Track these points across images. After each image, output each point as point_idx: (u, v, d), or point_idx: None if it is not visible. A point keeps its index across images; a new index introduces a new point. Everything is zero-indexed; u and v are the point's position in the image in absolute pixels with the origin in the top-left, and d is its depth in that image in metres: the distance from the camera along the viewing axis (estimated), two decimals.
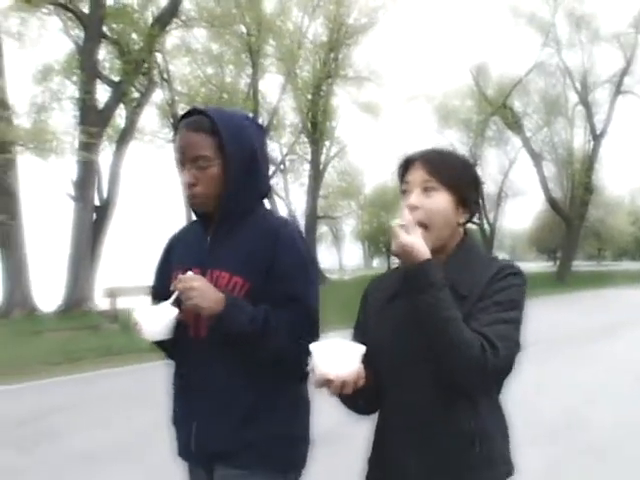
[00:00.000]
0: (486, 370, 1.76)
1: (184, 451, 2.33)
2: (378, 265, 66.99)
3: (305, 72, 34.39)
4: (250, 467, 2.19)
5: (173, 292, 2.13)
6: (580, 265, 50.40)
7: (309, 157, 38.21)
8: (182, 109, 25.94)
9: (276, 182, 37.98)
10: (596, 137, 37.99)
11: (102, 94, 21.71)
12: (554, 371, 9.84)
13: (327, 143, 40.02)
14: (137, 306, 2.16)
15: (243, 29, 26.26)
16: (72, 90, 23.44)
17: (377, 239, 59.13)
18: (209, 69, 29.37)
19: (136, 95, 23.20)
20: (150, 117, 28.67)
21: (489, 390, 1.94)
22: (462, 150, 38.08)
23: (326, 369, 1.74)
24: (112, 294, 16.30)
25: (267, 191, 2.37)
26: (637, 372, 9.63)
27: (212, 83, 28.83)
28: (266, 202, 2.41)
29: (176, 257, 2.37)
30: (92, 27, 20.22)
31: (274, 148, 37.61)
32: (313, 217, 38.24)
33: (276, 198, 37.67)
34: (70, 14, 21.43)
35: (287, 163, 39.00)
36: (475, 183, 2.03)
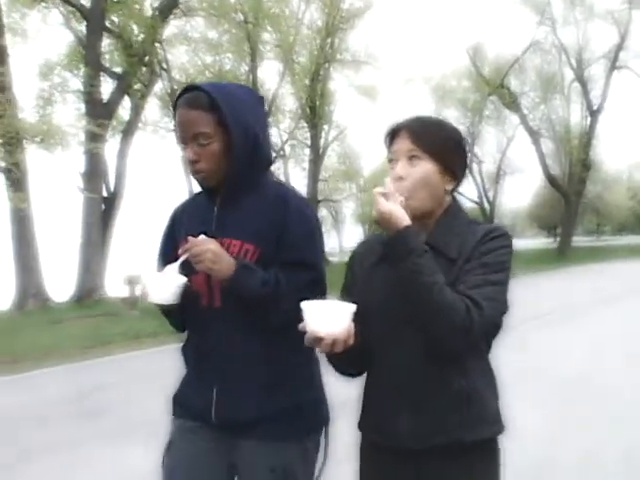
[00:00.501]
0: (472, 331, 1.78)
1: (197, 414, 2.30)
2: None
3: (302, 57, 34.53)
4: (281, 436, 2.20)
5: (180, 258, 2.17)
6: (580, 240, 50.87)
7: (309, 142, 38.53)
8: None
9: (277, 167, 38.24)
10: (593, 113, 38.36)
11: (105, 86, 22.02)
12: (566, 336, 10.54)
13: (326, 127, 40.24)
14: (145, 271, 2.20)
15: (241, 17, 26.41)
16: (75, 83, 23.76)
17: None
18: (207, 57, 29.55)
19: (138, 86, 23.43)
20: (151, 107, 28.87)
21: (477, 350, 1.93)
22: (460, 129, 38.39)
23: (317, 327, 1.76)
24: (131, 281, 16.65)
25: (270, 161, 2.39)
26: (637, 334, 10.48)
27: (211, 71, 29.01)
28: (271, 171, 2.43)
29: (183, 228, 2.35)
30: (94, 20, 20.45)
31: (274, 134, 37.89)
32: (314, 201, 38.59)
33: None
34: (71, 8, 21.68)
35: (288, 149, 39.14)
36: (461, 150, 2.03)
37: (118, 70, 23.25)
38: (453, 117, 42.21)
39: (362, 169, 50.23)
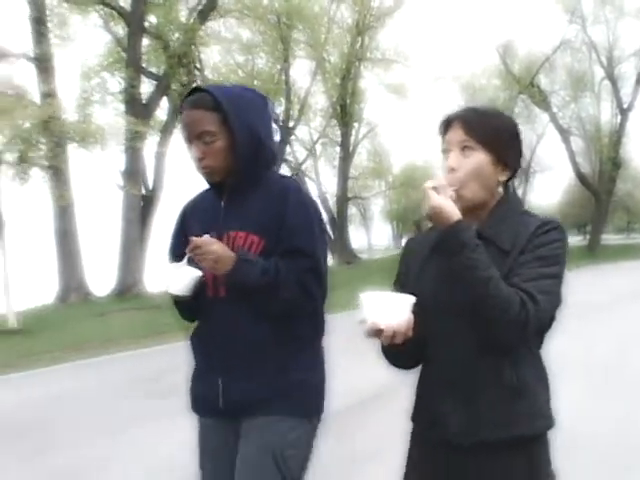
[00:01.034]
0: (527, 325, 1.78)
1: (207, 406, 2.42)
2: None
3: (333, 56, 34.86)
4: (274, 414, 2.28)
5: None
6: (610, 238, 50.63)
7: (339, 140, 38.84)
8: None
9: (309, 165, 38.61)
10: (623, 111, 38.26)
11: (142, 87, 22.55)
12: (594, 327, 11.09)
13: (356, 125, 40.53)
14: (165, 265, 2.33)
15: (275, 18, 26.84)
16: (113, 84, 24.36)
17: (406, 218, 59.43)
18: (238, 56, 29.95)
19: (176, 87, 23.98)
20: None
21: (529, 343, 1.92)
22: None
23: (377, 319, 1.75)
24: None
25: (274, 159, 2.47)
26: None
27: (243, 70, 29.40)
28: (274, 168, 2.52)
29: (192, 223, 2.45)
30: (134, 23, 21.08)
31: (305, 132, 38.29)
32: (344, 198, 38.97)
33: (307, 180, 38.29)
34: (110, 10, 22.27)
35: (319, 147, 39.47)
36: (514, 141, 2.00)
37: (156, 70, 23.89)
38: None
39: (391, 166, 50.44)
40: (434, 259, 1.97)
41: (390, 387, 6.00)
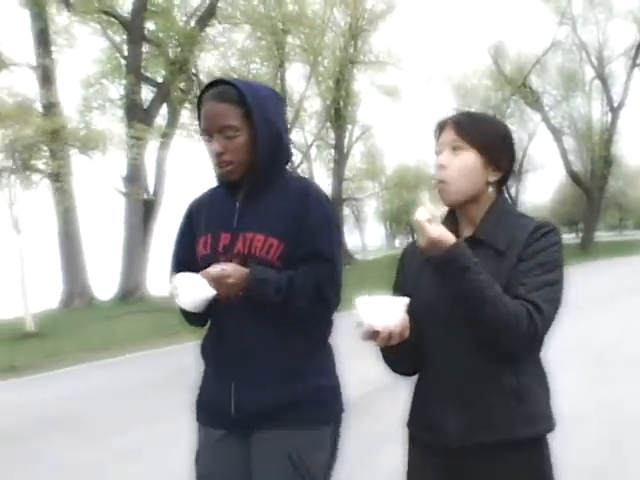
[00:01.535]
0: (536, 336, 1.83)
1: (217, 415, 2.33)
2: (400, 244, 67.44)
3: (326, 59, 35.12)
4: (297, 424, 2.22)
5: (199, 265, 2.23)
6: (602, 235, 51.04)
7: (333, 142, 39.15)
8: None
9: (303, 168, 38.86)
10: (614, 110, 38.74)
11: (142, 93, 22.83)
12: (589, 321, 11.47)
13: (350, 127, 40.88)
14: (175, 277, 2.18)
15: (272, 24, 27.13)
16: (113, 90, 24.63)
17: (399, 219, 59.76)
18: (233, 61, 30.20)
19: (176, 93, 24.27)
20: (184, 112, 29.62)
21: (534, 350, 1.96)
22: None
23: (372, 321, 1.78)
24: None
25: (290, 157, 2.43)
26: None
27: (238, 74, 29.63)
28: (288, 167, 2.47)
29: (202, 223, 2.37)
30: (135, 30, 21.41)
31: (300, 136, 38.53)
32: (338, 200, 39.27)
33: None
34: (108, 17, 22.55)
35: (314, 150, 39.72)
36: (506, 144, 2.03)
37: (152, 76, 24.19)
38: None
39: (385, 168, 50.74)
40: (427, 266, 1.97)
41: (386, 384, 6.55)
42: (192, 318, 2.37)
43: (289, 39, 29.69)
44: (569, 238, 56.13)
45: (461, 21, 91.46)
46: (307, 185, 2.32)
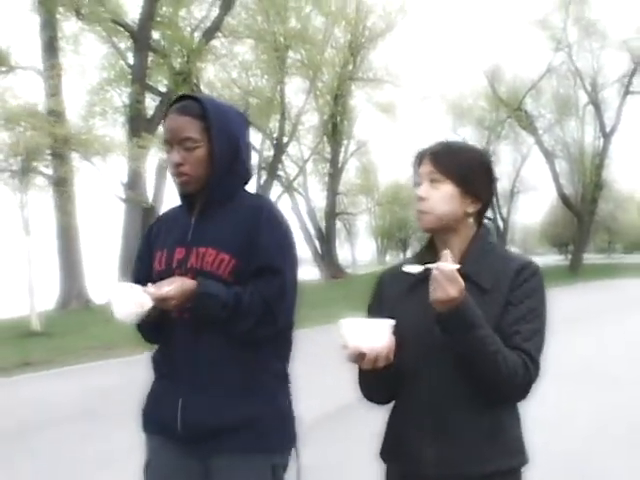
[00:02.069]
0: (530, 385, 1.88)
1: (162, 426, 2.32)
2: (390, 260, 67.75)
3: (326, 75, 35.56)
4: (249, 449, 2.21)
5: (152, 278, 2.24)
6: (591, 258, 51.45)
7: (329, 156, 39.51)
8: None
9: (299, 181, 39.20)
10: (606, 135, 39.34)
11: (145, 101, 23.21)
12: (575, 337, 11.84)
13: (345, 142, 41.27)
14: (114, 285, 2.16)
15: (275, 39, 27.60)
16: (116, 96, 25.01)
17: (390, 234, 60.07)
18: (234, 73, 30.61)
19: None
20: None
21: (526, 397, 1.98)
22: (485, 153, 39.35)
23: (358, 343, 1.76)
24: None
25: (249, 178, 2.43)
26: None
27: (238, 86, 30.00)
28: (248, 188, 2.46)
29: (160, 239, 2.40)
30: (141, 40, 21.79)
31: (296, 150, 38.88)
32: (332, 213, 39.69)
33: (297, 195, 38.93)
34: (117, 26, 22.94)
35: (310, 164, 40.01)
36: (483, 174, 2.02)
37: (154, 84, 24.57)
38: (469, 135, 43.33)
39: (378, 183, 51.10)
40: (413, 294, 1.98)
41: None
42: (146, 333, 2.39)
43: (290, 54, 30.17)
44: (558, 260, 56.59)
45: (459, 42, 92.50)
46: (261, 202, 2.36)
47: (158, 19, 22.82)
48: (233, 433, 2.20)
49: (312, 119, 38.48)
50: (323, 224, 39.94)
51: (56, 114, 18.58)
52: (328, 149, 39.60)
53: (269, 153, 33.89)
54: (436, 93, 42.47)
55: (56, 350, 12.20)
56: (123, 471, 5.16)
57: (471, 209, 2.00)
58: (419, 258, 2.01)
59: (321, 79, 34.70)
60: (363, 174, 47.44)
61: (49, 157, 18.34)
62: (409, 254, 56.64)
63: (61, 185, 19.03)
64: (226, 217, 2.28)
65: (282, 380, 2.35)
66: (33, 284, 15.21)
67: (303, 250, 40.05)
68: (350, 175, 46.73)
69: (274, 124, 33.04)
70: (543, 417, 5.61)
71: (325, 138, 38.17)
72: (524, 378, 1.84)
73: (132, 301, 2.09)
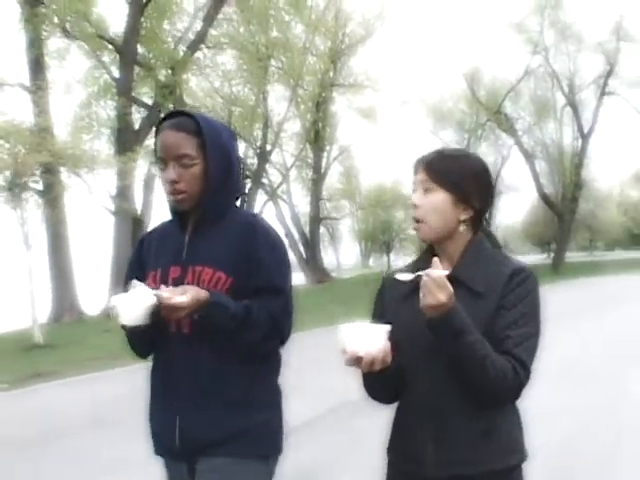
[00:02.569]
0: (520, 389, 1.93)
1: (165, 446, 2.35)
2: (374, 263, 67.95)
3: (307, 82, 35.85)
4: (235, 455, 2.23)
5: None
6: (573, 256, 52.01)
7: (312, 162, 39.88)
8: None
9: (283, 188, 39.40)
10: (584, 135, 40.00)
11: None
12: (559, 334, 12.26)
13: (328, 147, 41.63)
14: (115, 294, 2.12)
15: (258, 49, 27.88)
16: (101, 110, 25.23)
17: (374, 238, 60.25)
18: (217, 83, 30.86)
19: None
20: None
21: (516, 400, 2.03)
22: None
23: (356, 347, 1.82)
24: None
25: (241, 193, 2.46)
26: (620, 332, 12.85)
27: (220, 95, 30.24)
28: (238, 202, 2.49)
29: (152, 256, 2.37)
30: (127, 54, 22.05)
31: (279, 157, 39.10)
32: (316, 219, 40.02)
33: (280, 202, 39.11)
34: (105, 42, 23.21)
35: (294, 171, 40.22)
36: (478, 182, 2.04)
37: (141, 97, 24.88)
38: (449, 139, 43.82)
39: (361, 187, 51.40)
40: (411, 298, 1.98)
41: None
42: (138, 343, 2.36)
43: (271, 62, 30.46)
44: (541, 258, 57.02)
45: (438, 46, 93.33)
46: (254, 220, 2.35)
47: (142, 32, 23.10)
48: (228, 442, 2.23)
49: (294, 126, 38.77)
50: (307, 229, 40.25)
51: (44, 130, 18.80)
52: (311, 155, 39.86)
53: (253, 161, 34.19)
54: (416, 97, 42.95)
55: (62, 361, 12.52)
56: (135, 477, 5.55)
57: (464, 216, 2.02)
58: (419, 264, 2.04)
59: (302, 86, 34.95)
60: (346, 178, 47.70)
61: (38, 172, 18.57)
62: (393, 257, 57.12)
63: (51, 199, 19.23)
64: (219, 235, 2.28)
65: (276, 393, 2.40)
66: (35, 297, 15.49)
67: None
68: (333, 180, 46.99)
69: (257, 132, 33.37)
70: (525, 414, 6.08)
71: (308, 145, 38.41)
72: (514, 382, 1.88)
73: (134, 302, 2.07)
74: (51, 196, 18.90)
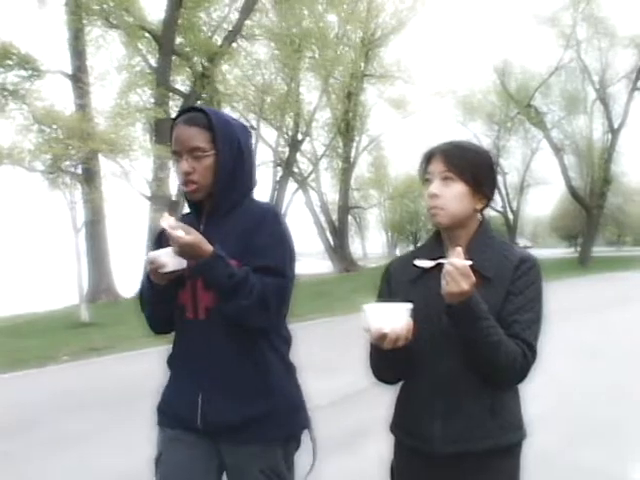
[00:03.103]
0: (527, 371, 2.01)
1: (179, 421, 2.41)
2: (400, 253, 67.86)
3: (339, 72, 36.10)
4: (266, 439, 2.33)
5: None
6: (600, 251, 51.62)
7: (342, 152, 40.08)
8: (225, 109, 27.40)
9: (313, 177, 39.75)
10: (614, 130, 39.78)
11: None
12: (585, 326, 12.83)
13: (357, 138, 41.82)
14: (148, 254, 2.28)
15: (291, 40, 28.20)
16: (138, 98, 25.82)
17: (402, 228, 60.46)
18: (249, 71, 31.15)
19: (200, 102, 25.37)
20: None
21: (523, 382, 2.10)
22: (486, 142, 40.04)
23: (381, 324, 1.89)
24: None
25: (253, 187, 2.50)
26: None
27: (253, 84, 30.63)
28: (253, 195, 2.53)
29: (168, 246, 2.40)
30: (166, 44, 22.48)
31: (310, 147, 39.43)
32: (345, 208, 40.35)
33: (310, 190, 39.56)
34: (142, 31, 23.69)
35: (324, 161, 40.61)
36: (491, 173, 2.13)
37: (174, 86, 25.30)
38: (479, 130, 43.96)
39: (390, 178, 51.60)
40: (420, 282, 2.11)
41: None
42: (157, 324, 2.51)
43: (305, 52, 30.75)
44: (568, 252, 56.88)
45: (469, 39, 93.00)
46: (266, 211, 2.42)
47: (179, 22, 23.54)
48: (248, 426, 2.31)
49: (325, 116, 39.12)
50: (336, 218, 40.64)
51: (84, 116, 19.31)
52: (341, 145, 40.12)
53: (284, 150, 34.60)
54: (447, 88, 42.79)
55: (113, 338, 13.12)
56: None
57: (479, 206, 2.12)
58: (427, 250, 2.17)
59: (334, 76, 35.20)
60: (375, 168, 47.98)
61: (77, 157, 19.07)
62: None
63: (90, 184, 19.72)
64: (232, 224, 2.36)
65: (292, 371, 2.48)
66: (82, 276, 16.29)
67: (316, 244, 40.94)
68: (362, 170, 47.35)
69: (288, 122, 33.75)
70: (550, 387, 6.54)
71: (338, 134, 38.72)
72: (522, 365, 1.97)
73: (170, 251, 2.22)
74: (90, 181, 19.41)
